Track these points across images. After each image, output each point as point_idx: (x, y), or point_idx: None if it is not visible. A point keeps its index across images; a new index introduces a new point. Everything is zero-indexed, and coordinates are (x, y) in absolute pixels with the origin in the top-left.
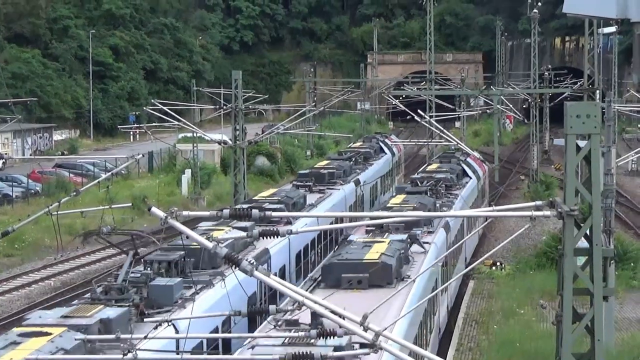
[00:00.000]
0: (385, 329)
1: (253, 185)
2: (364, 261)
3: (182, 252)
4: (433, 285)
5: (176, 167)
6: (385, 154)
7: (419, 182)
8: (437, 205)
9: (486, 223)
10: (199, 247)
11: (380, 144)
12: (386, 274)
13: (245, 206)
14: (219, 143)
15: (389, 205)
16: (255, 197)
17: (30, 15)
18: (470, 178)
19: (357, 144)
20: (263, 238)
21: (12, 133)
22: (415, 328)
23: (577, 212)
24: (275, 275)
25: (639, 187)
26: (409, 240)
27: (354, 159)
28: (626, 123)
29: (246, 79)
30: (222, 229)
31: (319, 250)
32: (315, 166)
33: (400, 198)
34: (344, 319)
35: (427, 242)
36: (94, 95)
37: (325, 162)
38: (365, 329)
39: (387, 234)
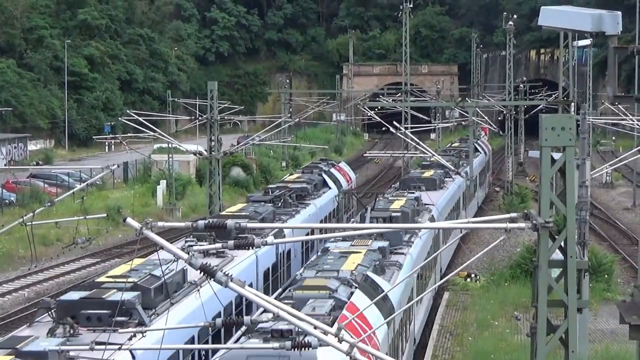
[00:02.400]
0: (360, 340)
1: (228, 197)
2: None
3: None
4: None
5: (151, 177)
6: (329, 188)
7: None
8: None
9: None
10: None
11: (324, 175)
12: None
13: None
14: (194, 154)
15: (223, 213)
16: (223, 213)
17: (5, 25)
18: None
19: (294, 176)
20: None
21: None
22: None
23: (551, 224)
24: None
25: (613, 200)
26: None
27: (281, 200)
28: (600, 135)
29: (221, 89)
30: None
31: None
32: (226, 212)
33: (239, 206)
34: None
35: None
36: (69, 106)
37: (240, 205)
38: (340, 340)
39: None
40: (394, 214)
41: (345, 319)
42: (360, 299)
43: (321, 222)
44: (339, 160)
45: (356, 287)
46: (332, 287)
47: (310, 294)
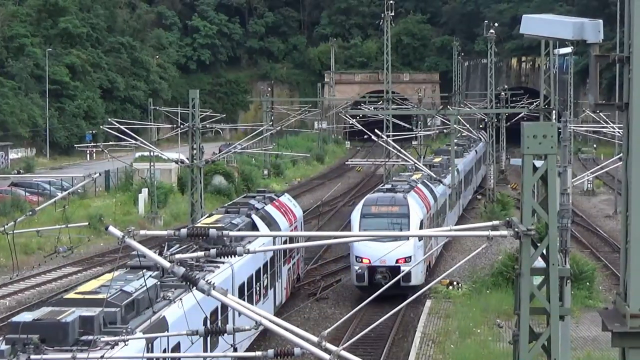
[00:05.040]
0: (343, 348)
1: (210, 205)
2: None
3: None
4: None
5: (133, 186)
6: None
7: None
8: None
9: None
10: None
11: (254, 217)
12: None
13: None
14: (176, 162)
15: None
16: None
17: None
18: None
19: (213, 219)
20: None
21: None
22: None
23: (533, 231)
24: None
25: (594, 207)
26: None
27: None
28: (582, 143)
29: (203, 98)
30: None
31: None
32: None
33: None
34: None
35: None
36: (50, 114)
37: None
38: (323, 349)
39: None
40: None
41: None
42: None
43: (241, 289)
44: (280, 193)
45: None
46: None
47: None
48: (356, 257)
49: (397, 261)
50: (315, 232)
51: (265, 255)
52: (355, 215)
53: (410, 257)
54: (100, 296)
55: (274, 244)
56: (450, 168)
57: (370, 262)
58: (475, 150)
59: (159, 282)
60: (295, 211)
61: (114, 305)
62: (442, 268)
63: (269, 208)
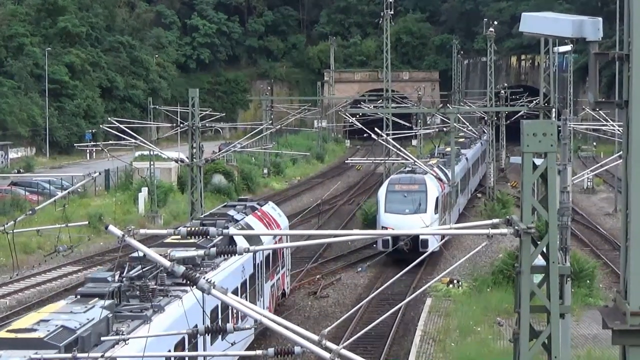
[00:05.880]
0: (343, 346)
1: (210, 204)
2: None
3: None
4: None
5: (133, 185)
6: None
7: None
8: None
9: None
10: None
11: (232, 231)
12: None
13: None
14: (176, 161)
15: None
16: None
17: None
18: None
19: (170, 242)
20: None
21: None
22: None
23: (533, 229)
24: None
25: (594, 205)
26: None
27: (127, 294)
28: (582, 141)
29: (203, 97)
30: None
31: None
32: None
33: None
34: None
35: None
36: (49, 113)
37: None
38: (323, 347)
39: None
40: None
41: None
42: None
43: (213, 315)
44: (264, 201)
45: None
46: None
47: None
48: (382, 227)
49: None
50: (315, 231)
51: (244, 273)
52: (382, 192)
53: (428, 227)
54: (35, 335)
55: (253, 260)
56: (459, 156)
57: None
58: (481, 143)
59: (111, 314)
60: (280, 221)
61: (52, 346)
62: (443, 266)
63: (250, 219)
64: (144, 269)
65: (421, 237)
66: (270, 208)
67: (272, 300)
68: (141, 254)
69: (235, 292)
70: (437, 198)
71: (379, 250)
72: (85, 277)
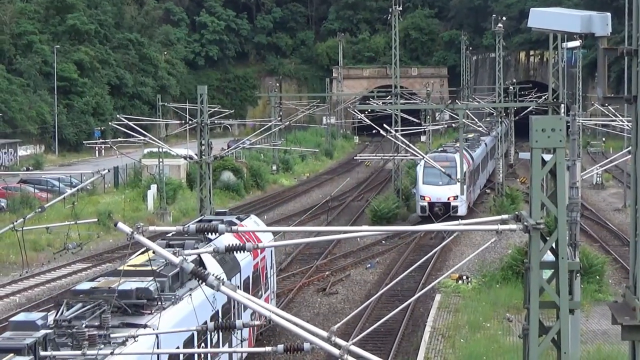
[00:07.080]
0: (352, 343)
1: (219, 201)
2: None
3: None
4: None
5: (142, 182)
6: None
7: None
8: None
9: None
10: None
11: (202, 255)
12: None
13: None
14: (185, 158)
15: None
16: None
17: None
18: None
19: (143, 258)
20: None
21: None
22: None
23: (542, 225)
24: None
25: (603, 201)
26: None
27: (71, 330)
28: (591, 137)
29: (211, 93)
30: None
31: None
32: None
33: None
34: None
35: None
36: (58, 111)
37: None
38: (332, 343)
39: None
40: None
41: None
42: None
43: None
44: (245, 215)
45: None
46: None
47: None
48: (420, 196)
49: (448, 199)
50: (325, 227)
51: (214, 305)
52: (420, 168)
53: (457, 196)
54: None
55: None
56: (479, 142)
57: (430, 200)
58: (497, 133)
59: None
60: (263, 238)
61: None
62: (452, 262)
63: (227, 238)
64: (85, 308)
65: (452, 203)
66: (253, 220)
67: (252, 331)
68: (85, 287)
69: (202, 332)
70: (465, 173)
71: (418, 215)
72: (10, 320)
